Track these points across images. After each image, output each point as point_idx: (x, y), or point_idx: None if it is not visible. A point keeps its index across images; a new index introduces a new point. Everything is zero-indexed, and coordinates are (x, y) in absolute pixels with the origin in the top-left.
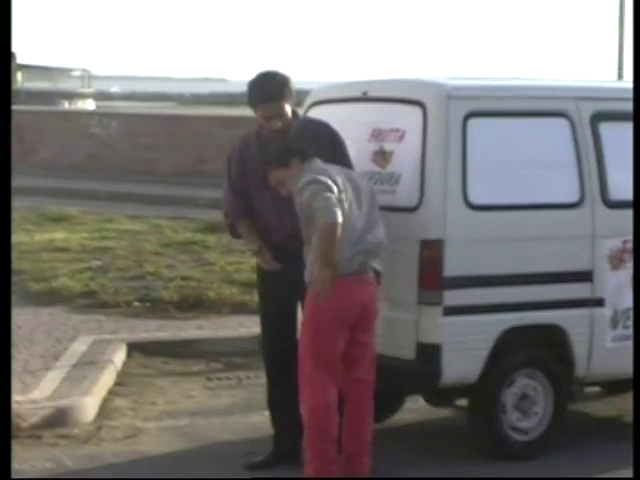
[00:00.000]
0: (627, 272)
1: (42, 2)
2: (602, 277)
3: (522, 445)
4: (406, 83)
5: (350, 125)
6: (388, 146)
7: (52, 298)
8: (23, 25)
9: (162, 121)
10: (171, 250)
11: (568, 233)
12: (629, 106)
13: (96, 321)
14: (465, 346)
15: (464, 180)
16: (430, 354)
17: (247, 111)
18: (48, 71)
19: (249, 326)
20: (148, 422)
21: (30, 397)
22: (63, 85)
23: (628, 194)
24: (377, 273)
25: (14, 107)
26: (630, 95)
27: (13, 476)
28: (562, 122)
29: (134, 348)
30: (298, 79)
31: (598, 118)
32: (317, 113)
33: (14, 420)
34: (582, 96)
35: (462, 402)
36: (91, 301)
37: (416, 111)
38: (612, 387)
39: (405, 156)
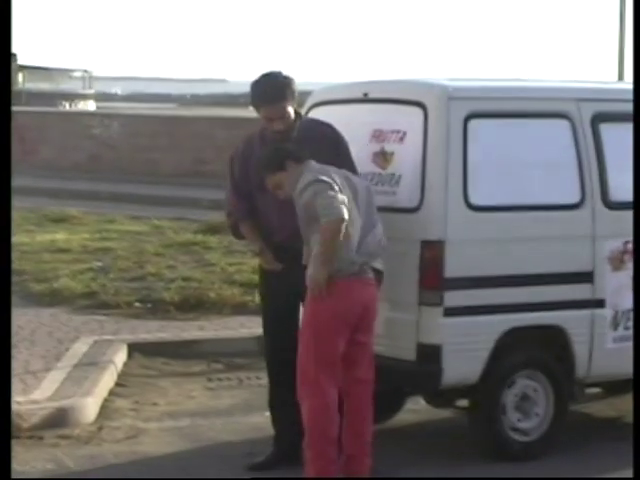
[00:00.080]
0: (628, 273)
1: (43, 3)
2: (603, 278)
3: (523, 446)
4: (407, 84)
5: (351, 126)
6: (389, 147)
7: (53, 299)
8: (24, 26)
9: (163, 122)
10: (172, 251)
11: (569, 234)
12: (630, 107)
13: (97, 322)
14: (466, 347)
15: (465, 181)
16: (431, 355)
17: (247, 112)
18: (49, 72)
19: (250, 327)
20: (149, 423)
21: (31, 398)
22: (64, 86)
23: (629, 195)
24: (379, 272)
25: (15, 108)
26: (631, 96)
27: (15, 477)
28: (563, 123)
29: (135, 349)
30: (299, 80)
31: (599, 119)
32: (318, 114)
33: (15, 421)
34: (583, 97)
35: (463, 403)
36: (92, 302)
37: (417, 112)
38: (612, 388)
39: (406, 157)
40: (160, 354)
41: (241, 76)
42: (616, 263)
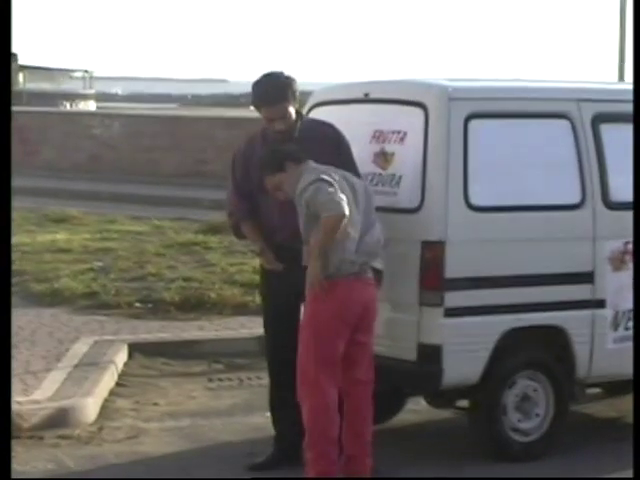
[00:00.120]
0: (628, 273)
1: (44, 3)
2: (603, 278)
3: (523, 446)
4: (407, 84)
5: (351, 126)
6: (389, 147)
7: (54, 299)
8: (25, 26)
9: (163, 122)
10: (173, 251)
11: (569, 234)
12: (630, 107)
13: (98, 322)
14: (466, 347)
15: (465, 181)
16: (431, 355)
17: (248, 112)
18: (50, 72)
19: (250, 327)
20: (149, 423)
21: (32, 398)
22: (65, 86)
23: (629, 195)
24: (378, 272)
25: (16, 108)
26: (632, 96)
27: (15, 477)
28: (563, 123)
29: (135, 349)
30: (299, 80)
31: (599, 119)
32: (319, 114)
33: (16, 421)
34: (583, 98)
35: (463, 403)
36: (93, 302)
37: (417, 112)
38: (613, 388)
39: (406, 157)
40: (161, 354)
41: (242, 76)
42: (617, 263)
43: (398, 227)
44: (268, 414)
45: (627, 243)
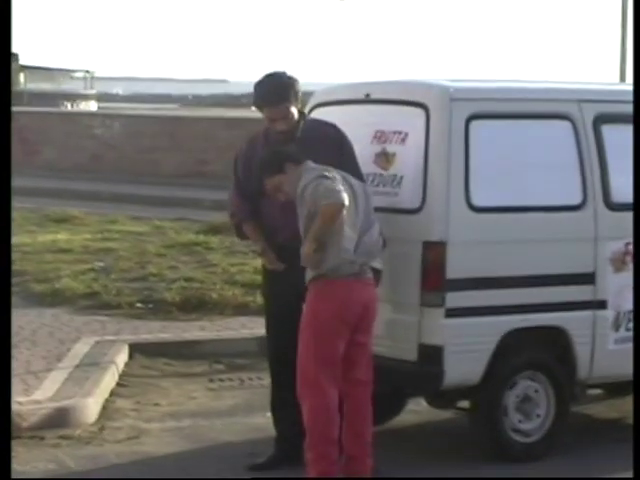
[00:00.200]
0: (629, 274)
1: (44, 3)
2: (604, 279)
3: (524, 447)
4: (409, 85)
5: (353, 127)
6: (391, 148)
7: (55, 299)
8: (26, 26)
9: (164, 122)
10: (174, 251)
11: (570, 235)
12: (632, 108)
13: (99, 322)
14: (467, 348)
15: (466, 182)
16: (432, 356)
17: (249, 112)
18: (51, 72)
19: (251, 327)
20: (150, 423)
21: (32, 398)
22: (66, 86)
23: (630, 196)
24: (377, 272)
25: (17, 108)
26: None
27: (15, 477)
28: (565, 124)
29: (136, 349)
30: (301, 81)
31: (601, 120)
32: (320, 115)
33: (16, 421)
34: (585, 98)
35: (464, 404)
36: (94, 302)
37: (419, 113)
38: (614, 389)
39: (408, 158)
40: (161, 354)
41: (242, 77)
42: (618, 264)
43: (399, 227)
44: (269, 414)
45: (628, 244)
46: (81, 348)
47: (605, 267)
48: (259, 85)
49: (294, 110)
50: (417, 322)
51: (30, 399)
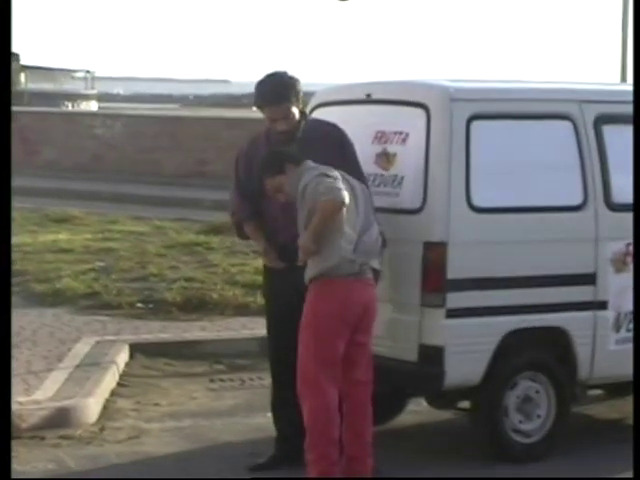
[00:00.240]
0: (630, 275)
1: (45, 3)
2: (605, 280)
3: (524, 447)
4: (409, 85)
5: (353, 127)
6: (391, 148)
7: (55, 299)
8: (26, 26)
9: (165, 122)
10: (174, 251)
11: (571, 236)
12: (632, 109)
13: (99, 322)
14: (468, 348)
15: (467, 182)
16: (433, 356)
17: (250, 112)
18: (51, 72)
19: (252, 328)
20: (151, 423)
21: (33, 398)
22: (66, 86)
23: (631, 197)
24: (376, 272)
25: (17, 108)
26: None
27: (15, 477)
28: (565, 125)
29: (137, 349)
30: (302, 81)
31: (601, 121)
32: (321, 115)
33: (16, 421)
34: (585, 99)
35: (464, 404)
36: (94, 302)
37: (419, 113)
38: (614, 390)
39: (408, 158)
40: (162, 355)
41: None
42: (619, 265)
43: (400, 228)
44: (269, 414)
45: (629, 244)
46: (82, 348)
47: (606, 268)
48: (260, 85)
49: (295, 110)
50: (418, 322)
51: (30, 399)
